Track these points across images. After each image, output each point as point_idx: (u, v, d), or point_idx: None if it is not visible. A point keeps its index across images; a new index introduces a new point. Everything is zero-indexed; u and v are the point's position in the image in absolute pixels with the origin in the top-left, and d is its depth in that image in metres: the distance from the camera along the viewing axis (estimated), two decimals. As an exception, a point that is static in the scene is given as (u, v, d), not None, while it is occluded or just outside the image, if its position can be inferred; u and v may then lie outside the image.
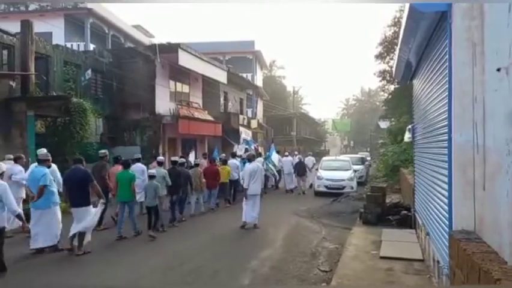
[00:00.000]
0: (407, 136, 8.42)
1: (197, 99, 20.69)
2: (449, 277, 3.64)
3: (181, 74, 18.42)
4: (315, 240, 7.98)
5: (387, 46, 19.45)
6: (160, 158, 10.29)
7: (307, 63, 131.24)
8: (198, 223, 9.81)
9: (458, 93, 3.63)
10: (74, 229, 6.73)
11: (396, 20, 18.54)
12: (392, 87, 21.12)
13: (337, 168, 16.39)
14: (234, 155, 14.80)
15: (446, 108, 3.95)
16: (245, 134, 24.46)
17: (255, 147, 21.75)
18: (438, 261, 4.59)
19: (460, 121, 3.60)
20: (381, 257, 6.15)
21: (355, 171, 17.03)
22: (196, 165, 11.45)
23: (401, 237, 7.40)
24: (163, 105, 17.16)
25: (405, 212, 8.73)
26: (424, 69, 5.88)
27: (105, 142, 15.46)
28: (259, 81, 32.40)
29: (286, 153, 18.70)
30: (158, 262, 6.36)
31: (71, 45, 18.23)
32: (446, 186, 3.98)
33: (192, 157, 15.80)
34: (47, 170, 6.91)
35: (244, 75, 28.03)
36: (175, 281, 5.51)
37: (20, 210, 6.29)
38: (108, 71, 16.26)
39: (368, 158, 30.20)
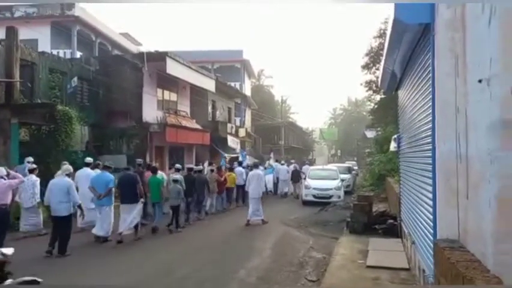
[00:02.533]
0: (393, 145, 8.53)
1: (185, 107, 20.63)
2: (434, 286, 3.66)
3: (169, 82, 18.36)
4: (302, 250, 7.96)
5: (373, 57, 19.78)
6: (178, 165, 11.53)
7: (296, 72, 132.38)
8: (203, 225, 10.89)
9: (441, 103, 3.69)
10: (125, 223, 8.36)
11: (381, 31, 18.91)
12: (378, 97, 21.44)
13: (324, 178, 16.47)
14: (240, 163, 16.53)
15: (430, 118, 4.01)
16: (233, 142, 24.45)
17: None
18: (423, 270, 4.62)
19: (443, 131, 3.65)
20: (368, 266, 6.16)
21: (342, 180, 17.13)
22: (211, 171, 13.03)
23: (387, 247, 7.43)
24: (151, 113, 17.04)
25: (391, 221, 8.79)
26: (409, 80, 5.98)
27: (91, 150, 15.23)
28: (247, 90, 32.53)
29: (283, 162, 20.65)
30: (148, 271, 6.30)
31: (58, 52, 18.01)
32: (430, 195, 4.02)
33: (206, 165, 16.17)
34: (112, 176, 8.55)
35: (233, 84, 28.12)
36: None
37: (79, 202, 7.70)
38: (95, 79, 16.11)
39: (355, 167, 30.42)
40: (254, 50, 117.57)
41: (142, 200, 8.83)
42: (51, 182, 7.70)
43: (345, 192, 16.66)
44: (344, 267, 6.24)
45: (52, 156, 12.01)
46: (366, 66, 20.76)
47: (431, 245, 3.85)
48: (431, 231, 3.95)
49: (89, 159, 10.29)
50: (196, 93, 21.20)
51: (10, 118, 11.08)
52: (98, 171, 9.31)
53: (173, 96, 19.69)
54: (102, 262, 6.94)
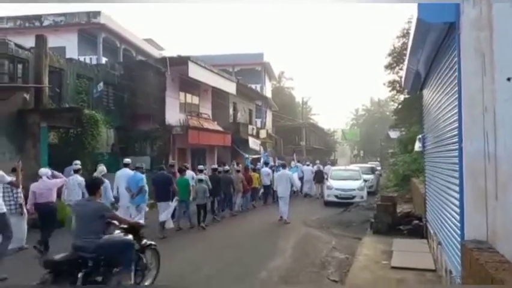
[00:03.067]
0: (418, 145, 8.38)
1: (206, 110, 20.89)
2: None
3: (191, 85, 18.65)
4: (324, 250, 7.92)
5: (396, 57, 19.48)
6: (200, 166, 12.25)
7: (317, 73, 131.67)
8: (228, 223, 11.27)
9: (468, 102, 3.63)
10: (162, 218, 8.97)
11: (405, 31, 18.59)
12: (402, 97, 21.06)
13: (347, 178, 16.31)
14: (266, 164, 17.33)
15: (456, 117, 3.95)
16: (254, 144, 24.54)
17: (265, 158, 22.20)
18: (450, 271, 4.54)
19: (470, 130, 3.59)
20: (392, 267, 6.08)
21: (365, 180, 16.92)
22: (237, 171, 13.65)
23: (412, 247, 7.30)
24: (173, 116, 17.36)
25: (416, 221, 8.63)
26: (433, 79, 5.88)
27: (116, 152, 15.64)
28: (268, 92, 32.58)
29: (308, 163, 21.47)
30: (172, 269, 6.34)
31: (84, 58, 18.64)
32: (457, 196, 3.95)
33: (234, 165, 16.57)
34: (143, 176, 9.06)
35: (253, 86, 28.25)
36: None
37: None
38: (119, 84, 16.55)
39: (378, 168, 29.97)
40: (275, 52, 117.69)
41: (176, 198, 9.51)
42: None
43: (368, 193, 16.43)
44: (367, 268, 6.18)
45: (79, 158, 12.39)
46: (389, 66, 20.45)
47: (459, 246, 3.79)
48: (458, 232, 3.88)
49: (127, 160, 10.70)
50: (218, 96, 21.44)
51: (39, 122, 11.54)
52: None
53: (195, 99, 19.98)
54: None
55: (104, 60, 20.65)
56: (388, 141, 39.40)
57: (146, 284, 5.23)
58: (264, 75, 31.71)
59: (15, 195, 7.32)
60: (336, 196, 15.19)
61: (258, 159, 21.07)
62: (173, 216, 9.89)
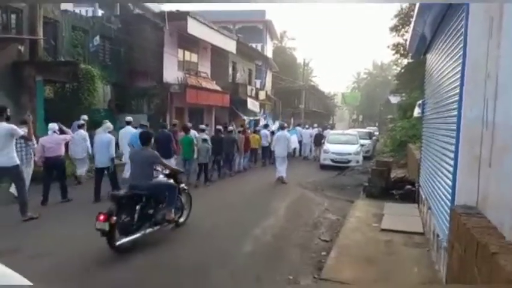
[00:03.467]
0: (417, 111, 8.32)
1: (205, 68, 20.51)
2: (447, 250, 3.70)
3: (189, 42, 18.17)
4: (317, 212, 8.10)
5: (403, 18, 18.85)
6: (203, 126, 12.44)
7: (319, 34, 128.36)
8: (228, 182, 11.69)
9: (471, 68, 3.55)
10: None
11: (413, -9, 17.87)
12: (405, 62, 20.67)
13: (344, 142, 16.38)
14: (266, 126, 17.55)
15: (458, 83, 3.87)
16: (252, 105, 24.37)
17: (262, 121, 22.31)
18: (438, 235, 4.65)
19: (471, 97, 3.53)
20: (382, 229, 6.24)
21: (362, 145, 17.00)
22: (239, 132, 13.96)
23: (403, 211, 7.47)
24: (171, 74, 17.07)
25: (409, 186, 8.76)
26: (439, 43, 5.72)
27: (112, 109, 15.53)
28: (269, 52, 31.87)
29: (307, 126, 21.43)
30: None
31: (80, 10, 17.94)
32: (451, 162, 3.97)
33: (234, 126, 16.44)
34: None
35: (254, 45, 27.56)
36: (174, 247, 5.68)
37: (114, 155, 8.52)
38: (116, 38, 16.10)
39: (376, 133, 30.02)
40: (277, 11, 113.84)
41: (176, 156, 9.87)
42: (96, 137, 8.72)
43: (365, 158, 16.58)
44: (357, 229, 6.34)
45: (76, 114, 12.33)
46: (395, 28, 19.84)
47: (448, 210, 3.85)
48: (449, 197, 3.93)
49: (129, 118, 11.01)
50: (217, 54, 20.97)
51: (35, 75, 11.34)
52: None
53: (194, 57, 19.56)
54: None
55: (100, 12, 19.92)
56: (388, 106, 39.14)
57: (181, 220, 6.49)
58: (266, 34, 30.88)
59: (27, 147, 7.72)
60: (332, 160, 15.33)
61: (256, 121, 21.09)
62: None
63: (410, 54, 13.48)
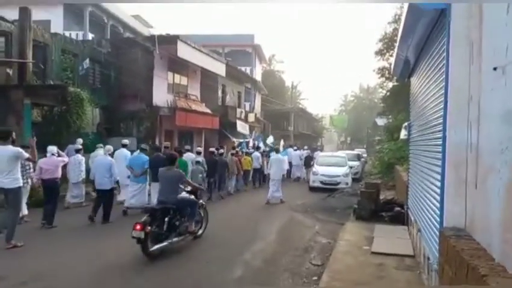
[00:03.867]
0: (403, 133, 8.45)
1: (195, 91, 20.63)
2: (438, 273, 3.68)
3: (179, 65, 18.33)
4: (308, 235, 8.02)
5: (387, 43, 19.44)
6: (199, 148, 13.04)
7: (307, 58, 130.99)
8: (219, 205, 11.42)
9: (454, 91, 3.64)
10: (155, 198, 8.88)
11: (396, 17, 18.53)
12: (390, 85, 21.14)
13: (333, 164, 16.44)
14: (258, 148, 18.26)
15: (442, 106, 3.95)
16: (242, 127, 24.46)
17: (252, 142, 22.41)
18: (428, 258, 4.63)
19: (454, 120, 3.61)
20: (373, 252, 6.20)
21: (351, 167, 17.09)
22: (232, 154, 14.15)
23: (393, 233, 7.44)
24: (161, 96, 17.10)
25: (398, 208, 8.78)
26: (422, 67, 5.88)
27: (101, 132, 15.40)
28: (258, 75, 32.32)
29: (295, 148, 21.33)
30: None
31: (70, 34, 18.05)
32: (438, 184, 4.00)
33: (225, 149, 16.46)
34: (147, 158, 9.59)
35: (243, 68, 27.95)
36: (161, 271, 5.53)
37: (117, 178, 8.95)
38: (106, 61, 16.16)
39: (364, 155, 30.30)
40: (265, 35, 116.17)
41: None
42: (96, 160, 9.19)
43: (353, 179, 16.64)
44: (349, 252, 6.28)
45: (64, 138, 12.19)
46: (380, 52, 20.43)
47: (437, 233, 3.85)
48: (438, 219, 3.94)
49: (125, 141, 11.30)
50: (207, 77, 21.16)
51: (23, 98, 11.23)
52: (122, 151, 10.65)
53: (184, 80, 19.68)
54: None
55: (90, 36, 20.08)
56: (375, 128, 39.73)
57: (199, 232, 7.26)
58: (255, 58, 31.39)
59: (27, 170, 7.94)
60: (322, 182, 15.34)
61: (247, 143, 21.14)
62: None
63: (395, 78, 13.81)
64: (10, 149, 6.31)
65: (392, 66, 8.22)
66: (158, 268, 5.61)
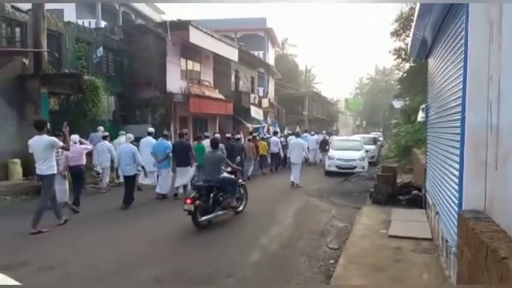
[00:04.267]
0: (421, 116, 8.32)
1: (208, 77, 20.65)
2: (457, 256, 3.68)
3: (192, 51, 18.34)
4: (324, 219, 8.07)
5: (404, 23, 18.92)
6: (217, 134, 12.98)
7: (321, 40, 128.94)
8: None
9: (473, 71, 3.56)
10: (178, 182, 10.00)
11: (413, -5, 17.96)
12: (407, 66, 20.68)
13: (349, 148, 16.35)
14: (276, 133, 18.78)
15: (461, 86, 3.89)
16: (256, 113, 24.44)
17: (267, 128, 22.56)
18: (446, 240, 4.63)
19: (474, 100, 3.55)
20: (390, 236, 6.21)
21: (367, 151, 16.96)
22: (249, 140, 14.70)
23: (410, 217, 7.42)
24: (174, 83, 17.20)
25: (416, 192, 8.72)
26: (440, 47, 5.75)
27: (117, 120, 15.65)
28: (270, 60, 32.04)
29: (312, 133, 21.60)
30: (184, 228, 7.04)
31: (83, 22, 18.22)
32: (457, 166, 3.96)
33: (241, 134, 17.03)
34: (169, 143, 10.11)
35: (256, 53, 27.74)
36: (183, 255, 5.68)
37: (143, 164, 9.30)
38: (119, 49, 16.28)
39: (381, 138, 29.99)
40: (278, 18, 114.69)
41: (196, 163, 10.23)
42: (120, 148, 9.56)
43: (370, 163, 16.52)
44: (365, 236, 6.31)
45: (81, 126, 12.44)
46: (396, 33, 19.91)
47: (456, 215, 3.84)
48: (456, 202, 3.92)
49: (151, 129, 11.66)
50: (219, 63, 21.12)
51: (40, 88, 11.47)
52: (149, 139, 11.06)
53: (197, 66, 19.72)
54: (158, 213, 8.56)
55: (103, 24, 20.20)
56: (392, 111, 39.10)
57: (240, 208, 8.23)
58: (267, 42, 31.08)
59: (59, 157, 8.28)
60: (337, 166, 15.30)
61: (257, 129, 21.24)
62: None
63: (412, 59, 13.51)
64: (45, 138, 6.73)
65: (409, 47, 8.04)
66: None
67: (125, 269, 5.07)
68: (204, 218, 6.96)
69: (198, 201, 6.77)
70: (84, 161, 8.79)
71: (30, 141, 6.83)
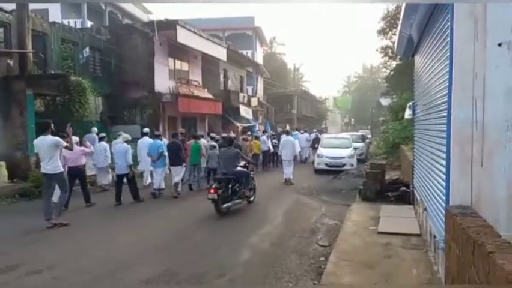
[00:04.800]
0: (408, 113, 8.40)
1: (196, 77, 20.55)
2: (445, 251, 3.73)
3: (180, 51, 18.22)
4: (314, 217, 8.10)
5: (390, 21, 19.12)
6: (213, 134, 13.41)
7: (308, 39, 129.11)
8: None
9: (458, 69, 3.61)
10: (175, 180, 10.27)
11: (399, -6, 18.12)
12: (394, 64, 20.90)
13: (337, 146, 16.44)
14: (264, 132, 19.12)
15: (447, 84, 3.93)
16: (245, 112, 24.41)
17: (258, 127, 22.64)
18: (434, 236, 4.69)
19: (459, 97, 3.59)
20: (379, 232, 6.26)
21: (355, 148, 17.07)
22: (243, 139, 14.85)
23: (399, 213, 7.50)
24: (163, 83, 17.06)
25: (404, 188, 8.81)
26: (425, 45, 5.81)
27: (104, 121, 15.46)
28: (259, 59, 32.02)
29: (302, 131, 21.69)
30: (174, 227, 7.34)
31: (68, 22, 17.94)
32: (444, 162, 4.01)
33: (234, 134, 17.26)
34: (162, 143, 10.35)
35: (244, 52, 27.70)
36: (174, 255, 5.64)
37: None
38: (106, 49, 16.08)
39: (369, 136, 30.23)
40: (266, 17, 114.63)
41: (185, 164, 10.61)
42: (116, 147, 9.88)
43: (359, 161, 16.63)
44: (355, 233, 6.35)
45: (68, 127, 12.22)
46: (382, 31, 20.12)
47: (443, 211, 3.89)
48: (444, 197, 3.97)
49: (146, 130, 12.16)
50: (208, 62, 21.03)
51: (25, 89, 11.26)
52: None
53: (185, 66, 19.60)
54: (150, 211, 8.84)
55: (89, 23, 19.93)
56: (379, 108, 39.43)
57: (251, 199, 9.14)
58: (255, 41, 31.05)
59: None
60: (327, 164, 15.37)
61: (249, 128, 21.21)
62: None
63: (399, 57, 13.65)
64: (50, 138, 7.09)
65: (396, 45, 8.12)
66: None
67: (116, 271, 5.01)
68: (224, 205, 7.98)
69: (220, 190, 7.79)
70: (83, 161, 9.11)
71: (36, 141, 7.22)
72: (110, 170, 11.26)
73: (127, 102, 16.46)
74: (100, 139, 11.27)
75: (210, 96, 20.56)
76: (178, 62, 18.81)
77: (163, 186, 10.35)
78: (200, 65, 20.84)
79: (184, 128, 18.66)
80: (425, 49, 5.92)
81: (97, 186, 11.24)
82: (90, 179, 11.07)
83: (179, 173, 10.42)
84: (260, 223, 7.50)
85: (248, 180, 8.85)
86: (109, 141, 12.13)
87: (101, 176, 11.30)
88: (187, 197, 10.25)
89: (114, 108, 16.23)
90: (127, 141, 9.73)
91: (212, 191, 7.74)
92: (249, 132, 18.26)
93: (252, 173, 9.45)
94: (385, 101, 27.69)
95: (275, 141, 17.39)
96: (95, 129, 12.58)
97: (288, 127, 24.66)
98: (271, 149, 16.73)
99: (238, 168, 8.78)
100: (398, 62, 18.71)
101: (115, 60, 16.24)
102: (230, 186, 8.23)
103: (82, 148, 9.20)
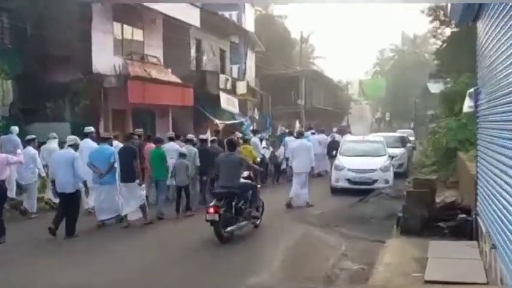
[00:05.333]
0: (468, 105, 8.48)
1: (155, 50, 20.53)
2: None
3: (130, 13, 18.22)
4: (331, 259, 8.11)
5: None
6: (190, 135, 13.69)
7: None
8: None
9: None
10: (126, 209, 10.16)
11: None
12: (448, 32, 21.13)
13: (365, 154, 16.52)
14: (255, 132, 19.39)
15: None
16: (228, 102, 24.41)
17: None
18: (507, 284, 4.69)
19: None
20: (427, 282, 6.26)
21: (392, 157, 17.16)
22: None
23: (456, 253, 7.52)
24: (105, 60, 17.01)
25: (463, 216, 8.86)
26: (495, 5, 5.84)
27: (16, 116, 15.28)
28: (249, 24, 32.07)
29: (313, 131, 22.12)
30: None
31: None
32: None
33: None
34: (113, 149, 10.33)
35: (227, 14, 27.72)
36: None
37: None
38: (19, 10, 15.94)
39: (412, 138, 30.51)
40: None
41: (138, 181, 10.30)
42: (55, 155, 9.98)
43: (396, 175, 16.71)
44: (390, 282, 6.35)
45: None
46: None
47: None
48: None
49: (89, 129, 12.04)
50: (173, 30, 21.03)
51: None
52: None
53: (138, 34, 19.59)
54: (107, 247, 8.76)
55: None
56: (426, 97, 39.72)
57: (257, 222, 9.97)
58: (243, -4, 31.15)
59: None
60: (349, 180, 15.39)
61: (233, 126, 21.25)
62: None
63: (454, 22, 13.78)
64: None
65: (449, 4, 8.19)
66: None
67: None
68: (228, 229, 8.65)
69: (222, 209, 8.42)
70: (5, 175, 8.98)
71: None
72: (36, 191, 11.30)
73: (51, 89, 16.35)
74: (27, 142, 11.23)
75: (175, 79, 20.54)
76: (127, 29, 18.80)
77: (120, 211, 10.20)
78: (161, 33, 20.82)
79: (136, 127, 18.62)
80: (493, 11, 5.96)
81: (23, 211, 11.10)
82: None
83: (133, 195, 10.20)
84: (252, 267, 7.48)
85: (255, 195, 9.65)
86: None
87: (25, 197, 11.23)
88: (159, 227, 10.42)
89: (31, 98, 16.08)
90: (72, 146, 9.63)
91: (211, 210, 8.32)
92: (238, 134, 18.03)
93: (258, 186, 10.21)
94: (435, 87, 27.90)
95: (265, 146, 17.47)
96: (15, 128, 12.41)
97: (298, 125, 24.33)
98: (266, 157, 16.80)
99: (242, 180, 9.44)
100: (454, 30, 18.91)
101: (32, 26, 16.10)
102: (234, 203, 8.87)
103: (10, 156, 9.17)
